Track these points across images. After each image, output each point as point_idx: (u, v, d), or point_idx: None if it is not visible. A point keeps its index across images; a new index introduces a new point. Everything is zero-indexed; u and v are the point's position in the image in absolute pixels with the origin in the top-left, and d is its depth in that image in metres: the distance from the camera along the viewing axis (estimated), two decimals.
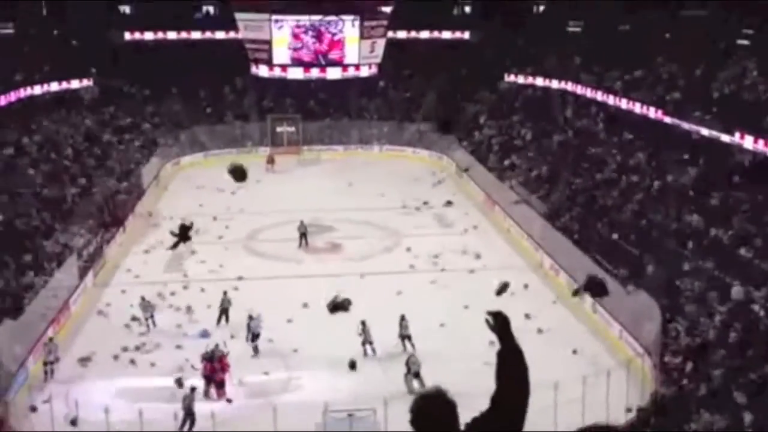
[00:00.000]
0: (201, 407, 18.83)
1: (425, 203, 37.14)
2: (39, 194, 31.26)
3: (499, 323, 3.13)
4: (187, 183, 40.77)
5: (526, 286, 26.40)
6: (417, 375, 19.96)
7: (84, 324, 24.75)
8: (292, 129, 47.03)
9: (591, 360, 21.56)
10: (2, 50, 39.01)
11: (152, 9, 47.25)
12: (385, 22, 43.39)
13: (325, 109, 48.22)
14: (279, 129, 46.99)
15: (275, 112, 47.22)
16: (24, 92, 38.27)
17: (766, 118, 25.79)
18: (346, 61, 43.58)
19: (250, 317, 22.69)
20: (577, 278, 24.63)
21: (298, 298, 25.26)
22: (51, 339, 21.99)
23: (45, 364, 21.19)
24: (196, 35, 49.03)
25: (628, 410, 18.58)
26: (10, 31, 42.32)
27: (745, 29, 31.75)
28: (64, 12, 45.19)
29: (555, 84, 41.72)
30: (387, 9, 43.18)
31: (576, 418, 16.58)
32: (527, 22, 47.68)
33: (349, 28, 42.97)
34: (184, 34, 48.86)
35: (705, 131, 28.19)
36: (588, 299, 24.06)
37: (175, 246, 27.21)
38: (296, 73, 43.90)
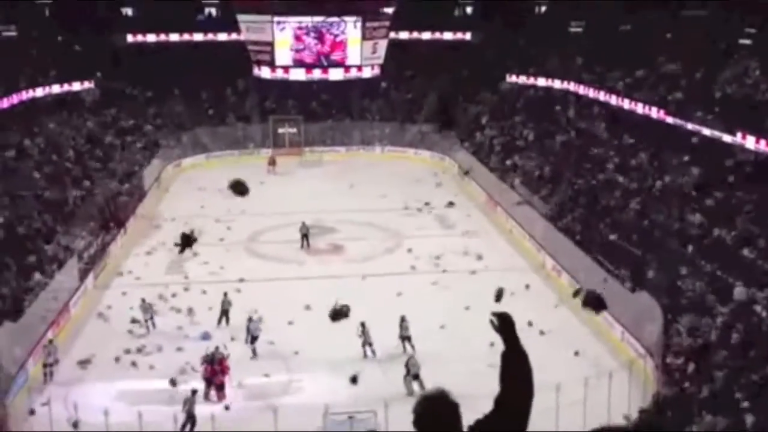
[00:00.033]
0: (201, 410, 18.78)
1: (427, 204, 37.06)
2: (41, 196, 31.21)
3: (504, 325, 3.09)
4: (189, 185, 40.71)
5: (527, 286, 26.36)
6: (416, 377, 19.93)
7: (84, 326, 24.72)
8: (294, 130, 46.96)
9: (593, 361, 21.50)
10: (4, 52, 39.01)
11: (154, 11, 47.25)
12: (386, 23, 43.40)
13: (327, 111, 48.17)
14: (281, 130, 46.92)
15: (277, 114, 47.18)
16: (26, 94, 38.32)
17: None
18: (348, 62, 43.61)
19: (250, 319, 22.67)
20: (579, 279, 24.58)
21: (299, 299, 25.23)
22: (51, 341, 21.94)
23: (45, 366, 21.14)
24: (198, 37, 49.09)
25: (626, 418, 18.40)
26: (13, 33, 42.32)
27: (747, 29, 31.69)
28: (66, 14, 45.15)
29: (557, 84, 41.68)
30: (389, 10, 43.18)
31: (578, 420, 16.55)
32: (528, 22, 47.60)
33: (351, 29, 43.00)
34: (186, 36, 48.95)
35: (707, 131, 28.14)
36: None
37: (182, 251, 27.19)
38: (298, 75, 43.95)
